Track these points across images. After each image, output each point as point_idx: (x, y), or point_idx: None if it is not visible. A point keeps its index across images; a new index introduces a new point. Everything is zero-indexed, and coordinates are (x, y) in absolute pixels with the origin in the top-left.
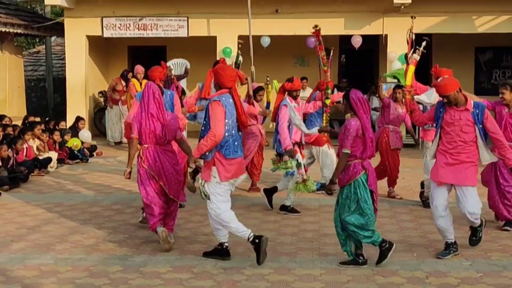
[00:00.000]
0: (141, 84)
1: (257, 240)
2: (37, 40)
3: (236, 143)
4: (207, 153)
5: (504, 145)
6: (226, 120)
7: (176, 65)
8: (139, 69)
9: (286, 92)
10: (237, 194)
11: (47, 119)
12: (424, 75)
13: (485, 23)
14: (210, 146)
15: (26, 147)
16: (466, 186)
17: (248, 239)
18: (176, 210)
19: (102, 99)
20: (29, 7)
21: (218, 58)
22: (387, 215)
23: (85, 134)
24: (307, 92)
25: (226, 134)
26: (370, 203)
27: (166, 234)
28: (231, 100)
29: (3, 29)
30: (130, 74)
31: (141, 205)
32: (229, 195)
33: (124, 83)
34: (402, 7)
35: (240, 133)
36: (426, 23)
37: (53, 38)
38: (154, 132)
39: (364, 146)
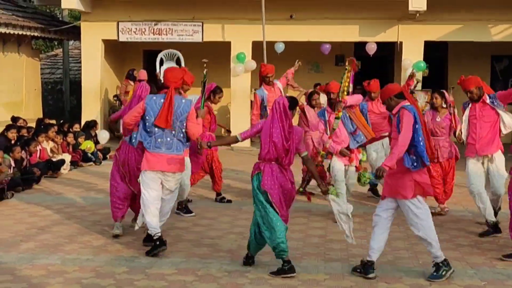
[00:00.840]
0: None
1: (157, 242)
2: (56, 43)
3: (159, 139)
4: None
5: None
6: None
7: (168, 56)
8: (143, 74)
9: None
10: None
11: (61, 121)
12: (440, 83)
13: (501, 32)
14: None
15: (40, 149)
16: None
17: (154, 236)
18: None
19: (117, 103)
20: (48, 10)
21: (232, 64)
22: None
23: (103, 135)
24: (322, 99)
25: (141, 127)
26: (262, 205)
27: None
28: (162, 100)
29: (20, 32)
30: (136, 71)
31: None
32: (157, 185)
33: (132, 83)
34: (417, 14)
35: (173, 132)
36: (442, 31)
37: (71, 42)
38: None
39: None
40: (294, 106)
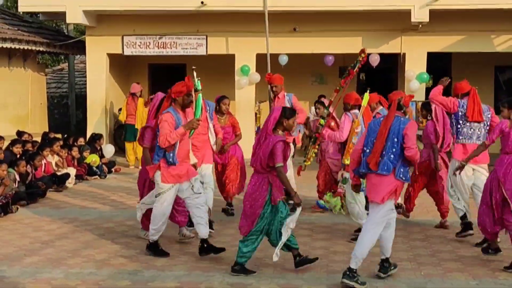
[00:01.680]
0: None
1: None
2: (62, 58)
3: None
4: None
5: None
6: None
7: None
8: (137, 87)
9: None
10: None
11: (65, 135)
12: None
13: (504, 42)
14: None
15: (45, 163)
16: None
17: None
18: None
19: (120, 116)
20: (53, 25)
21: (236, 77)
22: (399, 234)
23: (109, 149)
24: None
25: None
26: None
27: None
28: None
29: (26, 47)
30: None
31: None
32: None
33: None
34: (420, 25)
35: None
36: (444, 42)
37: (76, 56)
38: None
39: None
40: (289, 116)
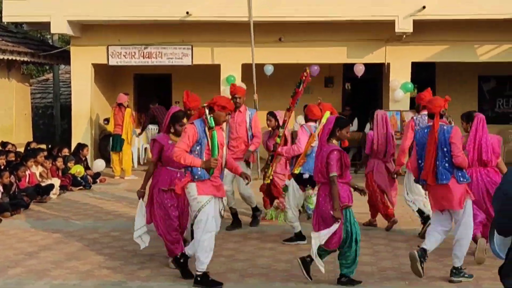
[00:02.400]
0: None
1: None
2: (47, 68)
3: None
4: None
5: None
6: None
7: None
8: (124, 97)
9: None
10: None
11: (49, 146)
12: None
13: (487, 52)
14: None
15: (29, 174)
16: None
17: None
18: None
19: (107, 126)
20: (38, 35)
21: (222, 87)
22: (383, 243)
23: (99, 163)
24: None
25: None
26: None
27: None
28: None
29: (10, 57)
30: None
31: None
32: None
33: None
34: (404, 36)
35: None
36: (428, 52)
37: (61, 66)
38: None
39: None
40: (342, 126)
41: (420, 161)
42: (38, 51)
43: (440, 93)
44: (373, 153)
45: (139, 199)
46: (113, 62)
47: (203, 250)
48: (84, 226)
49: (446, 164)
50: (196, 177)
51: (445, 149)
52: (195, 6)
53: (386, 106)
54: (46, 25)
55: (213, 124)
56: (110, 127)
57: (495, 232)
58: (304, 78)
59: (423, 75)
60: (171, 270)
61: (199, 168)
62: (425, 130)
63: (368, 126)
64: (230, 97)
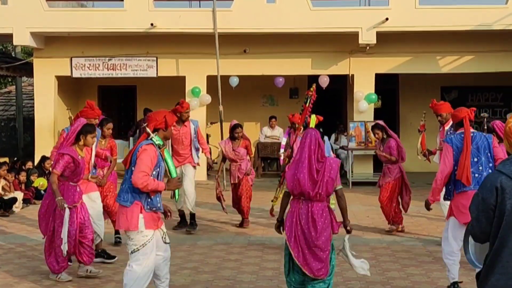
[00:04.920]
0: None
1: None
2: (9, 80)
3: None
4: None
5: None
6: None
7: None
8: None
9: None
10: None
11: (15, 159)
12: (392, 114)
13: (449, 63)
14: None
15: None
16: None
17: None
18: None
19: None
20: (1, 47)
21: (187, 98)
22: (368, 257)
23: None
24: (276, 131)
25: None
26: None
27: None
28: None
29: None
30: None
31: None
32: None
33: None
34: (368, 47)
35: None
36: (391, 64)
37: (24, 78)
38: None
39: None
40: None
41: (456, 167)
42: (0, 63)
43: (403, 103)
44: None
45: (63, 209)
46: (76, 74)
47: (136, 282)
48: None
49: (490, 170)
50: (154, 208)
51: (488, 154)
52: (159, 18)
53: (351, 117)
54: (9, 37)
55: (162, 142)
56: None
57: (470, 240)
58: (311, 93)
59: (387, 86)
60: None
61: (157, 199)
62: (457, 137)
63: (333, 137)
64: (182, 111)
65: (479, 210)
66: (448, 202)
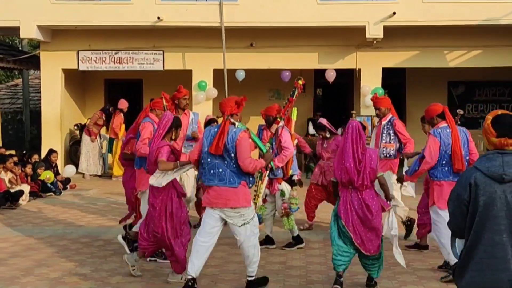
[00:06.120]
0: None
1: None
2: (16, 73)
3: (211, 171)
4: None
5: None
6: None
7: None
8: (125, 103)
9: None
10: None
11: (24, 152)
12: (398, 108)
13: (456, 58)
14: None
15: None
16: None
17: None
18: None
19: (77, 132)
20: (7, 40)
21: (194, 92)
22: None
23: (70, 170)
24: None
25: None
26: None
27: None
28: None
29: None
30: (112, 108)
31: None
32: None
33: (104, 117)
34: (375, 41)
35: (217, 161)
36: (399, 58)
37: (31, 71)
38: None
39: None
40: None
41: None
42: (7, 56)
43: (410, 98)
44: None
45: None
46: (83, 67)
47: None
48: (53, 232)
49: (466, 164)
50: (252, 184)
51: (467, 148)
52: (166, 11)
53: (357, 111)
54: (16, 30)
55: (245, 126)
56: (120, 133)
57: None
58: (298, 85)
59: (393, 80)
60: (142, 276)
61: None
62: (444, 132)
63: (339, 131)
64: (179, 97)
65: (455, 205)
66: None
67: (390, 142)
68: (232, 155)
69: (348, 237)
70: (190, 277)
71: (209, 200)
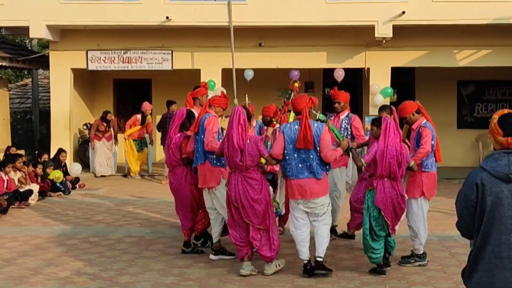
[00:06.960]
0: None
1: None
2: (25, 73)
3: (300, 165)
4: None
5: None
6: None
7: None
8: (147, 106)
9: None
10: None
11: (36, 152)
12: None
13: (466, 57)
14: None
15: (7, 179)
16: None
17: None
18: (254, 239)
19: (86, 132)
20: (17, 40)
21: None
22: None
23: (76, 168)
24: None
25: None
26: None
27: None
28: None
29: None
30: (110, 115)
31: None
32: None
33: (105, 124)
34: (384, 41)
35: (304, 156)
36: (408, 57)
37: (40, 71)
38: (233, 158)
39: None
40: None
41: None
42: (17, 55)
43: (419, 97)
44: None
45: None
46: (92, 67)
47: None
48: (62, 232)
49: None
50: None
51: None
52: (175, 11)
53: (366, 111)
54: (25, 30)
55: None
56: (129, 132)
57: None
58: (294, 88)
59: (403, 79)
60: (150, 275)
61: None
62: (429, 124)
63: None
64: (204, 93)
65: (462, 206)
66: None
67: (346, 137)
68: (318, 148)
69: (380, 225)
70: (305, 261)
71: (296, 192)
